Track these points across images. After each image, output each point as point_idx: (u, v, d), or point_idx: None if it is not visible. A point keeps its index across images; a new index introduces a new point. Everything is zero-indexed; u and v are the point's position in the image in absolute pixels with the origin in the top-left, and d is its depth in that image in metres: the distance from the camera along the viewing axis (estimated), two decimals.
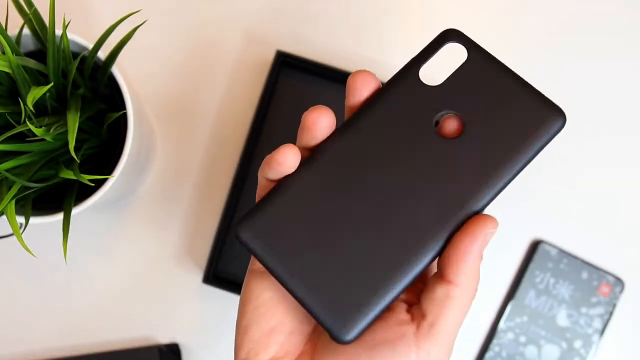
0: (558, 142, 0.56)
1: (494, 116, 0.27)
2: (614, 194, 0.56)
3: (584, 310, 0.54)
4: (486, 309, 0.55)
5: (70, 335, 0.54)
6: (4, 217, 0.46)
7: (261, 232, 0.27)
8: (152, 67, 0.57)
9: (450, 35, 0.28)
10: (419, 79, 0.28)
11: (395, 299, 0.27)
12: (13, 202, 0.38)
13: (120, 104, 0.45)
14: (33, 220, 0.42)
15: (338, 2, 0.57)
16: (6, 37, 0.37)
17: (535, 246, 0.55)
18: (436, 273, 0.27)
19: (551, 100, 0.27)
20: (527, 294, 0.54)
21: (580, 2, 0.58)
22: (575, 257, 0.54)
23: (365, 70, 0.28)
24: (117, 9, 0.57)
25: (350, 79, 0.28)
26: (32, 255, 0.41)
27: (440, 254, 0.27)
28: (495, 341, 0.54)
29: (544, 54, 0.57)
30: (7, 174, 0.37)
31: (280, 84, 0.55)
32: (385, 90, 0.28)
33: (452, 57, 0.56)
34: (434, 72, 0.55)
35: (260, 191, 0.28)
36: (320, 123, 0.27)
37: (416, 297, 0.28)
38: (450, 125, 0.28)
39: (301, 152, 0.28)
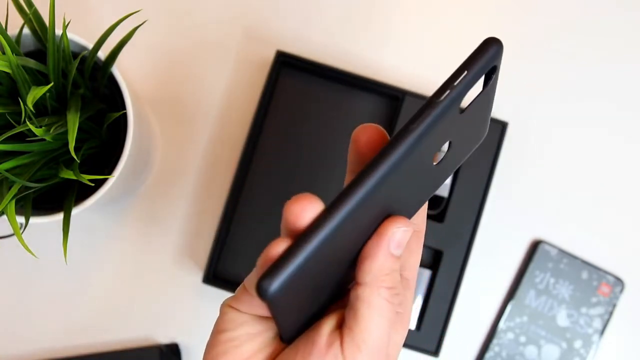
0: (559, 142, 0.56)
1: (465, 143, 0.29)
2: (614, 194, 0.56)
3: (584, 310, 0.54)
4: (486, 309, 0.55)
5: (70, 335, 0.54)
6: (4, 217, 0.46)
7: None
8: (152, 67, 0.57)
9: (495, 57, 0.25)
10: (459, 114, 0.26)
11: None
12: (13, 202, 0.38)
13: (120, 104, 0.45)
14: (33, 220, 0.42)
15: (338, 2, 0.57)
16: (6, 37, 0.37)
17: (535, 246, 0.55)
18: None
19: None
20: (527, 294, 0.54)
21: (580, 3, 0.58)
22: (575, 257, 0.54)
23: (371, 125, 0.26)
24: (117, 9, 0.56)
25: (354, 134, 0.27)
26: (33, 255, 0.41)
27: None
28: (495, 341, 0.54)
29: (544, 54, 0.57)
30: (7, 174, 0.37)
31: (280, 84, 0.55)
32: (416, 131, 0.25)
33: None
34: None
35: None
36: (304, 217, 0.24)
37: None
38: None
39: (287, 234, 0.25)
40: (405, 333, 0.29)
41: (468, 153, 0.30)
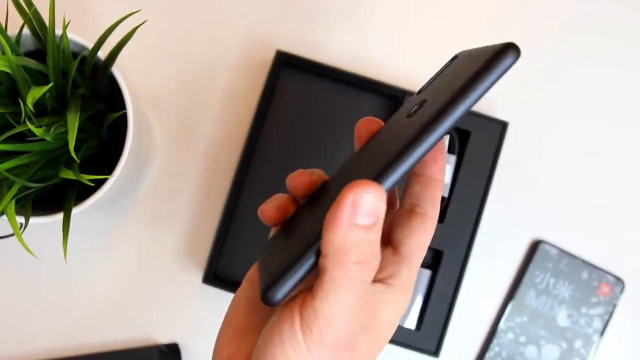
0: (558, 142, 0.56)
1: (447, 81, 0.26)
2: (615, 194, 0.56)
3: (584, 310, 0.54)
4: (486, 309, 0.55)
5: (70, 335, 0.54)
6: (4, 217, 0.46)
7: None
8: (152, 67, 0.57)
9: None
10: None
11: (310, 269, 0.26)
12: (13, 202, 0.38)
13: (120, 104, 0.45)
14: (33, 220, 0.42)
15: (338, 2, 0.57)
16: (6, 37, 0.37)
17: (535, 246, 0.55)
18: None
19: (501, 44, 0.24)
20: (527, 294, 0.54)
21: (581, 2, 0.57)
22: (575, 257, 0.54)
23: (368, 118, 0.30)
24: (117, 9, 0.56)
25: (356, 126, 0.30)
26: (33, 255, 0.41)
27: None
28: (495, 341, 0.54)
29: (544, 54, 0.57)
30: (7, 174, 0.37)
31: (280, 84, 0.55)
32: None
33: None
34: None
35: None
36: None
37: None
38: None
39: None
40: (401, 309, 0.28)
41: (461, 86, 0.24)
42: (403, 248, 0.29)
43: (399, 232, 0.29)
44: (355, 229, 0.24)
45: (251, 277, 0.30)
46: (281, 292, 0.26)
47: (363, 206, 0.23)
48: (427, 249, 0.30)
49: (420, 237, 0.29)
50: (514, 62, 0.24)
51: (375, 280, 0.28)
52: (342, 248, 0.24)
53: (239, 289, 0.30)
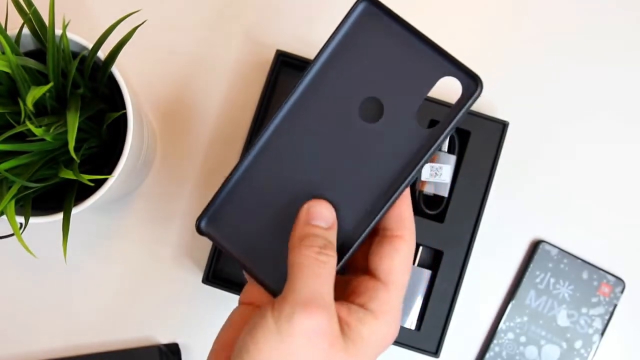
0: (559, 142, 0.56)
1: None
2: (615, 194, 0.56)
3: (584, 310, 0.54)
4: (486, 309, 0.55)
5: (70, 335, 0.54)
6: (4, 217, 0.46)
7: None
8: (152, 67, 0.56)
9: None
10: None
11: None
12: (13, 202, 0.38)
13: (120, 104, 0.45)
14: (33, 220, 0.42)
15: (338, 2, 0.57)
16: (6, 37, 0.37)
17: (535, 246, 0.55)
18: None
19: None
20: (528, 294, 0.54)
21: (581, 2, 0.57)
22: (575, 257, 0.54)
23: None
24: (117, 9, 0.56)
25: None
26: (33, 255, 0.41)
27: None
28: (495, 341, 0.54)
29: (544, 54, 0.57)
30: (7, 174, 0.37)
31: (280, 84, 0.55)
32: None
33: None
34: None
35: None
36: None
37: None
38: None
39: None
40: (382, 333, 0.29)
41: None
42: (378, 273, 0.29)
43: (372, 259, 0.30)
44: (308, 226, 0.29)
45: (245, 300, 0.32)
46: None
47: (313, 212, 0.29)
48: (406, 269, 0.30)
49: (391, 259, 0.29)
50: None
51: (354, 304, 0.29)
52: (299, 239, 0.29)
53: (234, 310, 0.32)
